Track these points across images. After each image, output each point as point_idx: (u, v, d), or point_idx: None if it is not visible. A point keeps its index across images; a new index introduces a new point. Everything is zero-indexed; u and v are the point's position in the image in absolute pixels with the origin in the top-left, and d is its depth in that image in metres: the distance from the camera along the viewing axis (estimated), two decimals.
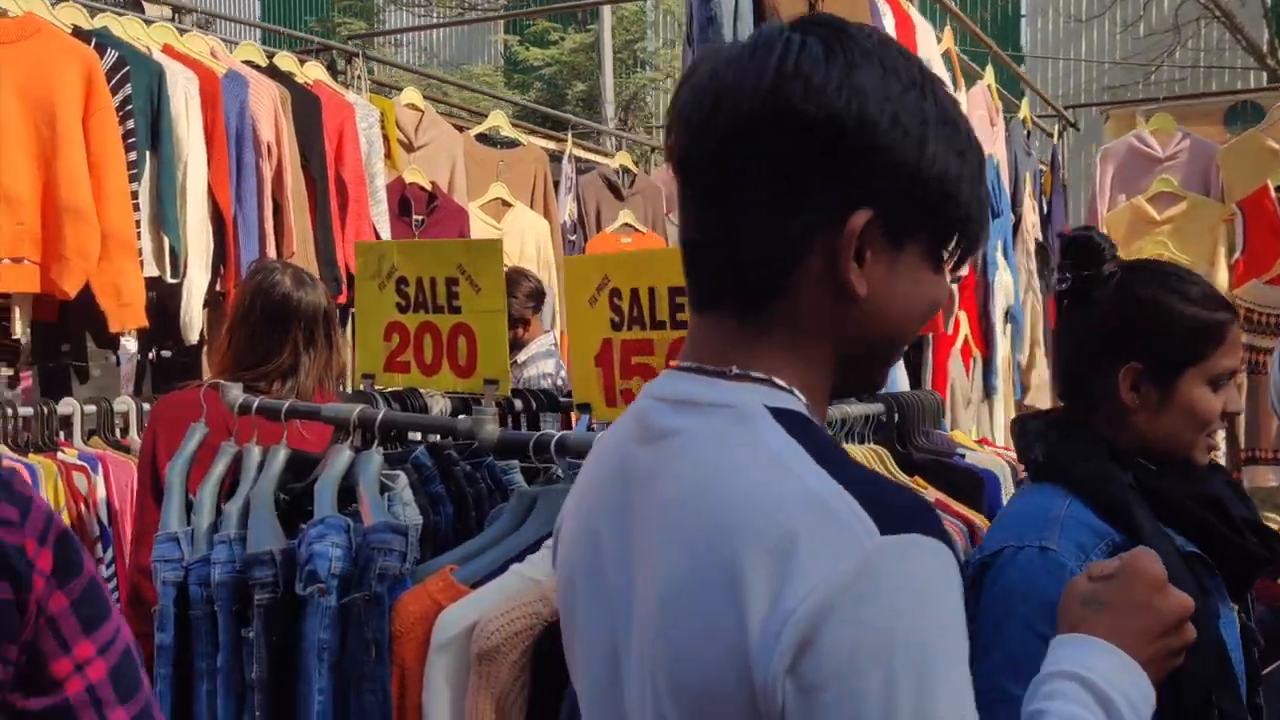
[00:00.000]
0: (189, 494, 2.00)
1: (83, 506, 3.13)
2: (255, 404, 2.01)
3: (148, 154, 3.65)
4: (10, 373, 3.57)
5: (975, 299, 3.90)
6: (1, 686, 1.08)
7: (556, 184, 5.90)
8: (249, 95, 3.96)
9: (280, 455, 1.93)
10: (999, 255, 4.06)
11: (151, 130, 3.66)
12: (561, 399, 2.32)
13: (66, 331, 3.75)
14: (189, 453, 2.02)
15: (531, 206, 5.63)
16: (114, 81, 3.54)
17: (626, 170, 6.47)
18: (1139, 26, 12.32)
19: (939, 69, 3.59)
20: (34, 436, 3.19)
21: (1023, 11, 13.79)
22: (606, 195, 6.35)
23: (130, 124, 3.58)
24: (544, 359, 4.26)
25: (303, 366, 2.57)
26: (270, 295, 2.60)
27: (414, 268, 2.11)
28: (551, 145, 5.98)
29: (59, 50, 3.42)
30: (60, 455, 3.17)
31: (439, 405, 2.20)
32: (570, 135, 6.26)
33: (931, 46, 3.83)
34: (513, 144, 5.73)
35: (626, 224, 6.26)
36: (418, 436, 2.04)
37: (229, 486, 1.98)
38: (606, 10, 11.21)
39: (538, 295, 4.32)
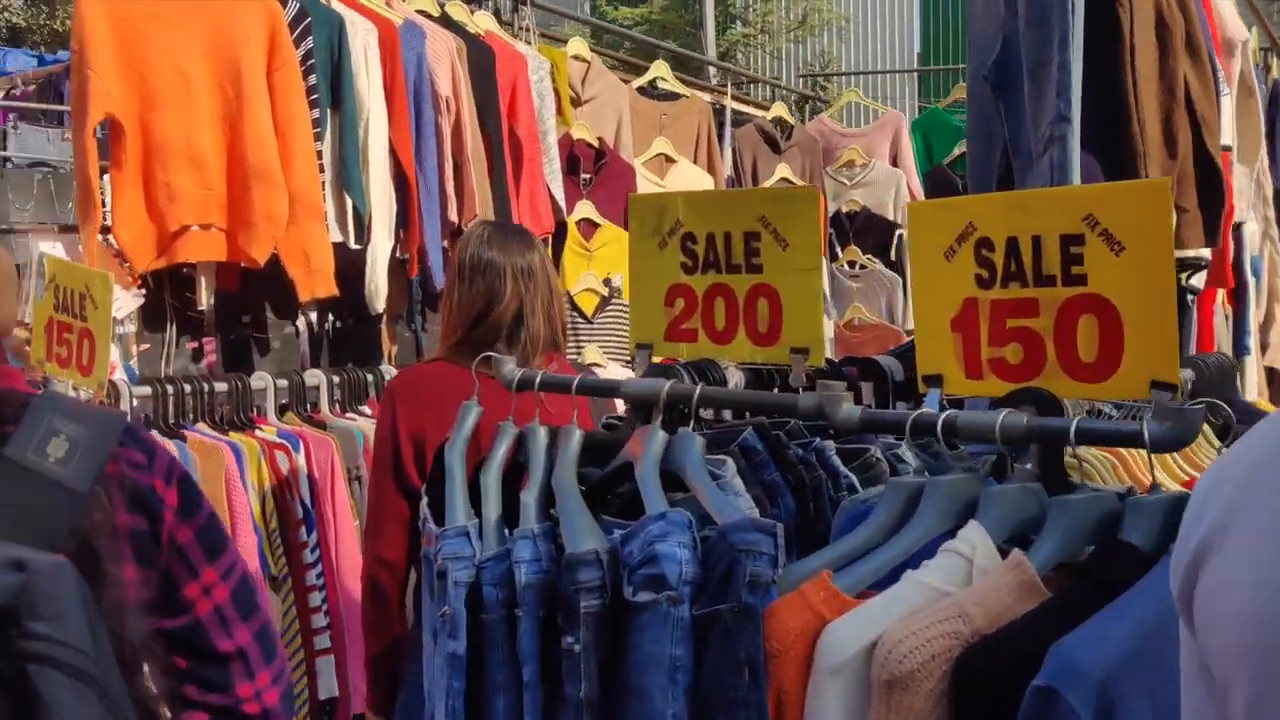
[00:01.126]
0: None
1: (285, 487, 2.95)
2: (538, 378, 1.76)
3: (329, 111, 3.45)
4: (195, 345, 3.41)
5: (1228, 250, 3.53)
6: (149, 607, 1.23)
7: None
8: (426, 47, 3.74)
9: (575, 438, 1.68)
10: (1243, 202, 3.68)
11: (332, 85, 3.45)
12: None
13: (248, 301, 3.58)
14: (465, 434, 1.79)
15: (694, 161, 5.34)
16: (295, 34, 3.34)
17: (782, 122, 6.14)
18: None
19: None
20: (229, 413, 3.02)
21: None
22: (763, 149, 6.04)
23: (312, 79, 3.37)
24: None
25: (526, 320, 2.40)
26: (480, 254, 2.42)
27: (704, 222, 1.84)
28: (706, 97, 5.67)
29: (242, 2, 3.22)
30: (259, 433, 3.00)
31: (734, 378, 1.94)
32: (730, 85, 5.94)
33: None
34: (673, 96, 5.44)
35: (784, 179, 5.95)
36: (727, 415, 1.79)
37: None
38: None
39: None
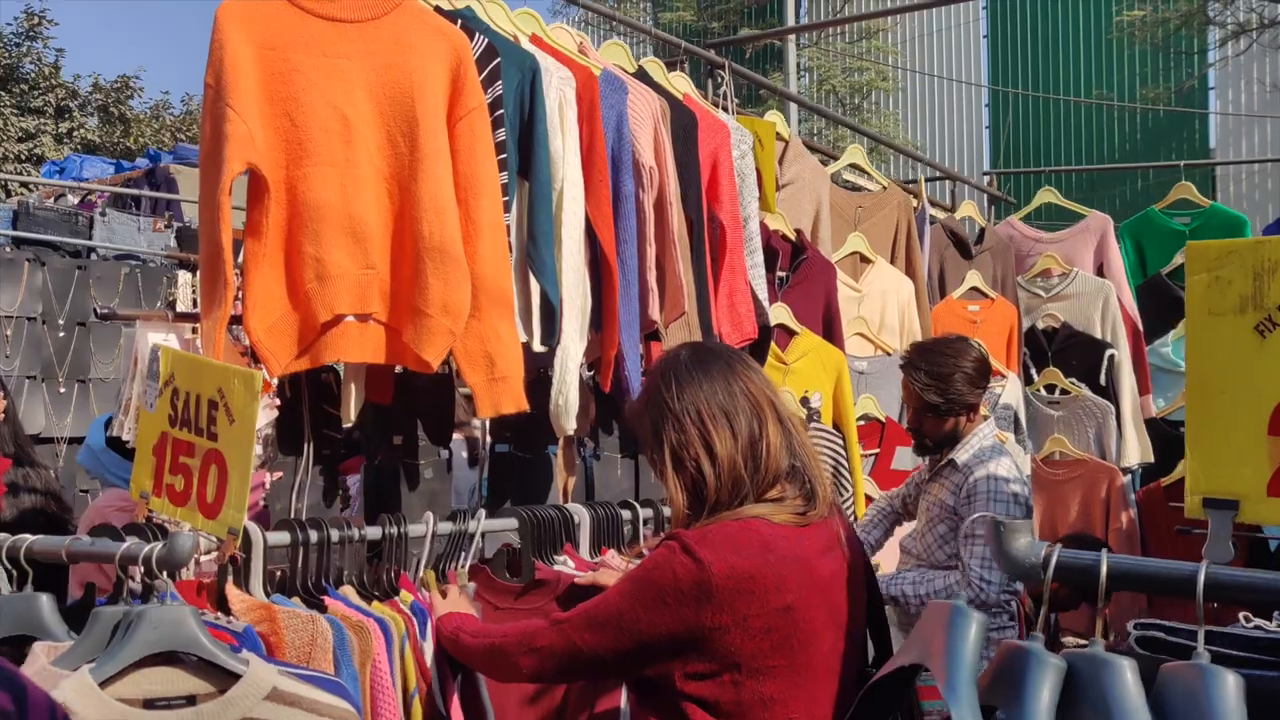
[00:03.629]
0: None
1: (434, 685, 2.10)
2: None
3: (516, 176, 2.70)
4: (337, 478, 2.61)
5: None
6: None
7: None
8: (628, 105, 3.00)
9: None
10: None
11: (520, 144, 2.71)
12: None
13: (400, 418, 2.79)
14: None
15: (892, 261, 4.55)
16: (482, 76, 2.60)
17: (971, 221, 5.36)
18: None
19: None
20: (378, 572, 2.20)
21: None
22: (951, 252, 5.24)
23: (500, 134, 2.63)
24: (993, 459, 3.11)
25: (799, 454, 1.91)
26: (734, 384, 1.93)
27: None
28: (898, 194, 4.90)
29: (423, 33, 2.49)
30: (400, 601, 2.17)
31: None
32: (923, 180, 5.18)
33: None
34: (861, 186, 4.68)
35: (974, 288, 5.13)
36: None
37: None
38: None
39: (985, 370, 3.19)
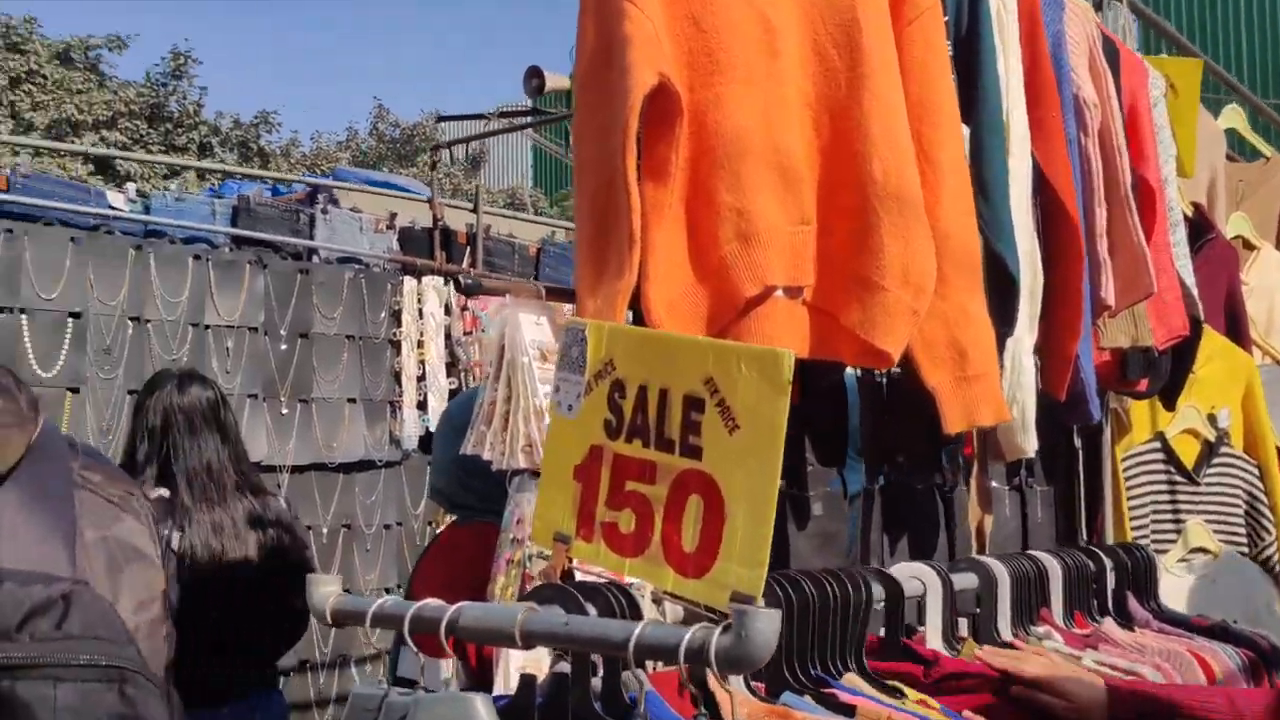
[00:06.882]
0: None
1: None
2: None
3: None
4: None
5: None
6: None
7: None
8: (1065, 26, 2.30)
9: None
10: None
11: (960, 63, 2.02)
12: None
13: (799, 430, 2.12)
14: None
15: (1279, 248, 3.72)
16: None
17: None
18: None
19: None
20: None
21: None
22: None
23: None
24: None
25: None
26: None
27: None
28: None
29: None
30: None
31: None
32: None
33: None
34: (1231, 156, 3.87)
35: None
36: None
37: None
38: None
39: None
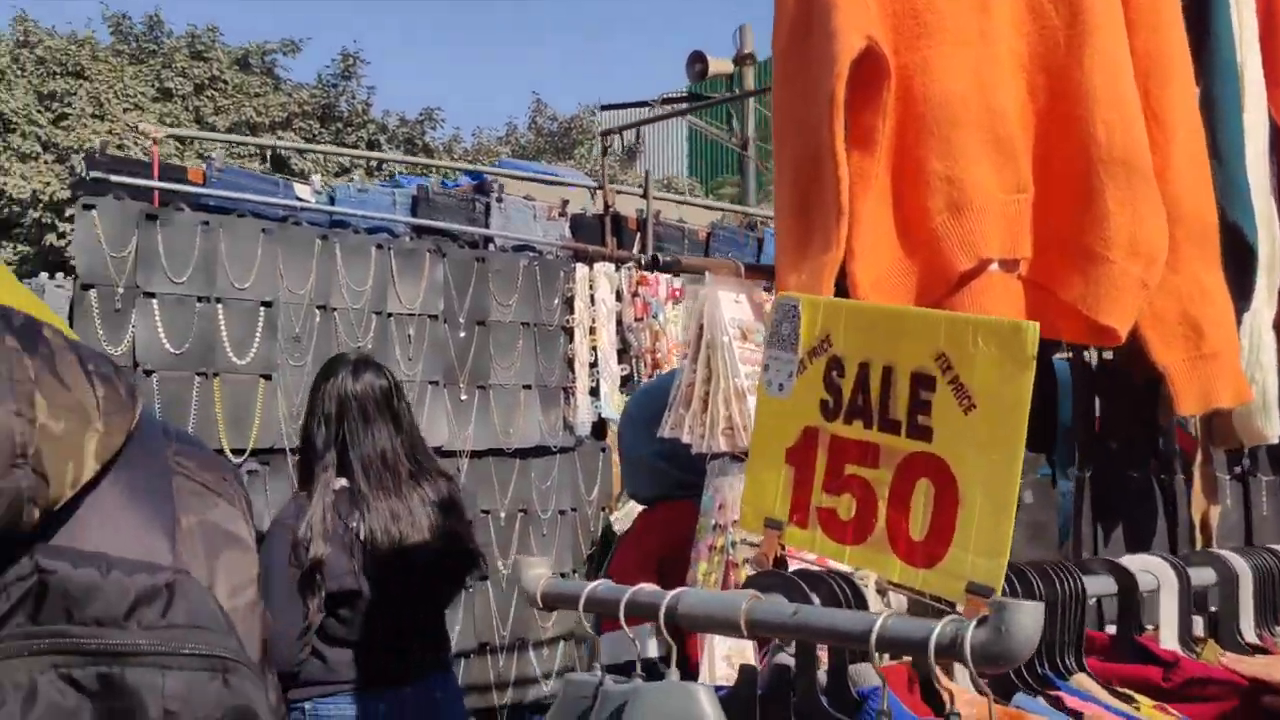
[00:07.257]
0: None
1: None
2: None
3: None
4: None
5: None
6: None
7: None
8: None
9: None
10: None
11: (1189, 11, 1.87)
12: None
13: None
14: None
15: None
16: None
17: None
18: None
19: None
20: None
21: None
22: None
23: None
24: None
25: None
26: None
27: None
28: None
29: None
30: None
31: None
32: None
33: None
34: None
35: None
36: None
37: None
38: None
39: None
